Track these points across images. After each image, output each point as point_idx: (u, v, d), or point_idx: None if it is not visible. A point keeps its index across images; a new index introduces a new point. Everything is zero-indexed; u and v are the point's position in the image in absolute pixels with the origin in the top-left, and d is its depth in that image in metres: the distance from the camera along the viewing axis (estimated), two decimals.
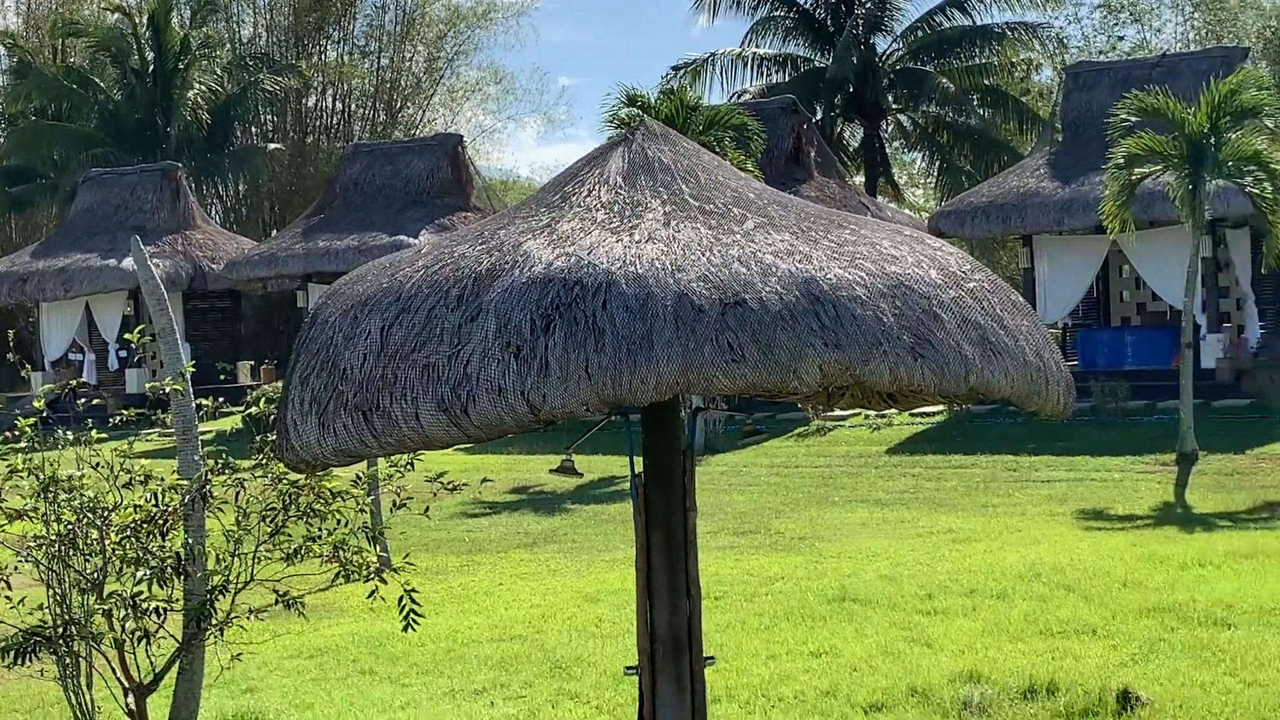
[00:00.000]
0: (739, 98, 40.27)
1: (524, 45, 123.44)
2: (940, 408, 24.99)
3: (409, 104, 54.43)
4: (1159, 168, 21.50)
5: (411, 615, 6.73)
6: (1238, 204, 23.24)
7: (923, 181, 51.41)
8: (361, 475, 7.25)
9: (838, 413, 24.79)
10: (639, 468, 5.53)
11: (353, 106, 53.46)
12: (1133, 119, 21.74)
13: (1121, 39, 51.27)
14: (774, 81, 43.15)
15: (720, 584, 12.66)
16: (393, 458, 6.94)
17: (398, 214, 33.14)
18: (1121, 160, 21.34)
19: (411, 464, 7.24)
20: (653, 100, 24.91)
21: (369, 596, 6.98)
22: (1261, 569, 12.23)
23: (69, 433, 7.38)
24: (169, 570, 6.82)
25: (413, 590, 6.78)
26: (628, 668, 5.70)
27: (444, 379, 4.61)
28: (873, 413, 25.08)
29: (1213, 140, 20.64)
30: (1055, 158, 28.38)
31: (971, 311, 5.01)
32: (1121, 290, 30.22)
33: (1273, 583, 11.52)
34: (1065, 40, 49.47)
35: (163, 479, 6.97)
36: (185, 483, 6.98)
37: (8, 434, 7.16)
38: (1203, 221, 21.18)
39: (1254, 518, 16.01)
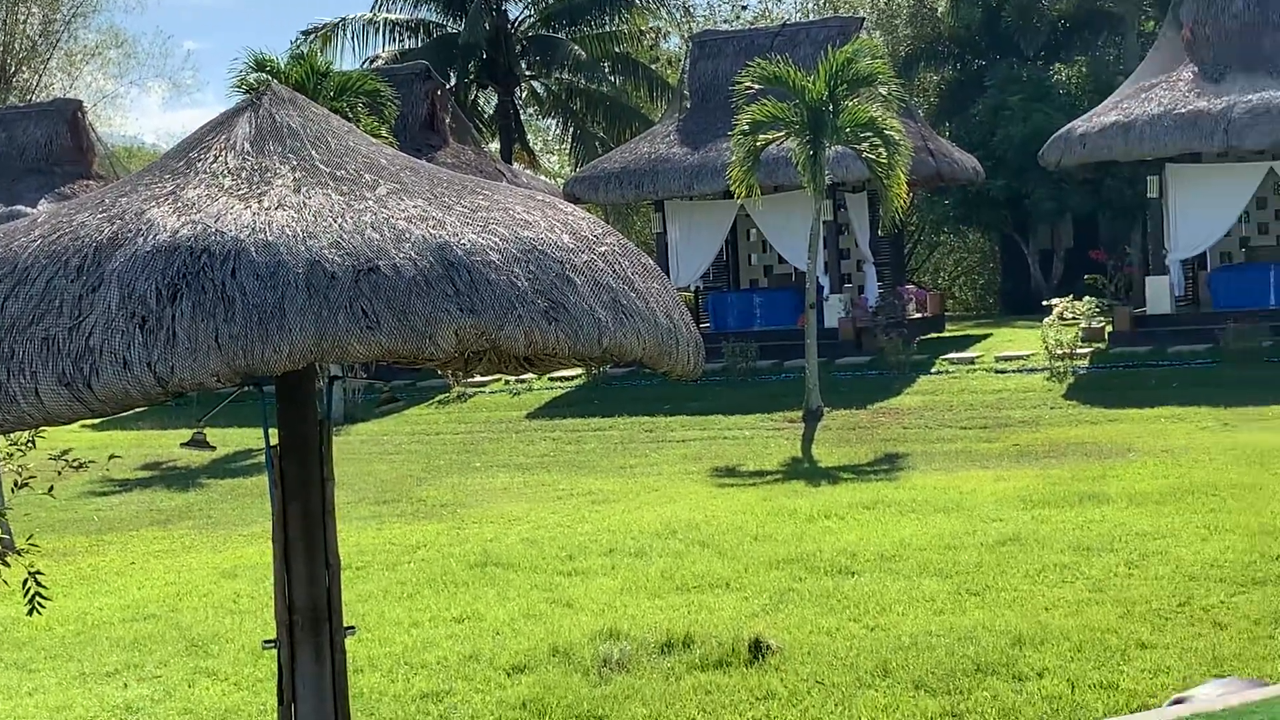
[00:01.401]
0: (372, 64, 39.78)
1: (145, 8, 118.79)
2: (578, 372, 25.33)
3: (24, 68, 51.91)
4: (782, 134, 22.22)
5: (37, 598, 6.47)
6: (856, 168, 24.26)
7: (558, 148, 51.85)
8: None
9: (478, 379, 24.85)
10: (274, 439, 5.44)
11: None
12: (756, 87, 22.39)
13: (745, 8, 52.81)
14: (407, 47, 42.78)
15: (362, 554, 12.57)
16: (12, 435, 6.64)
17: (13, 183, 31.64)
18: (746, 127, 21.97)
19: (33, 441, 6.94)
20: (282, 65, 24.40)
21: None
22: (882, 518, 12.84)
23: None
24: None
25: (37, 573, 6.52)
26: (265, 641, 5.61)
27: (65, 352, 4.43)
28: (512, 378, 25.25)
29: (831, 107, 21.44)
30: (684, 125, 29.02)
31: (604, 275, 5.08)
32: (749, 253, 31.15)
33: (893, 531, 12.11)
34: (691, 9, 50.70)
35: None
36: None
37: None
38: (823, 186, 22.01)
39: (875, 469, 16.79)
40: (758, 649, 8.18)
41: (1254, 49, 25.63)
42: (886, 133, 21.51)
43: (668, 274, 26.89)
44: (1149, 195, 25.89)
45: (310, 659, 5.45)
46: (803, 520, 13.03)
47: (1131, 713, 6.85)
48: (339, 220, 4.75)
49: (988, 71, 38.75)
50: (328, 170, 5.07)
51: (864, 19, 34.39)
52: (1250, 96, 24.24)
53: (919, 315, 28.95)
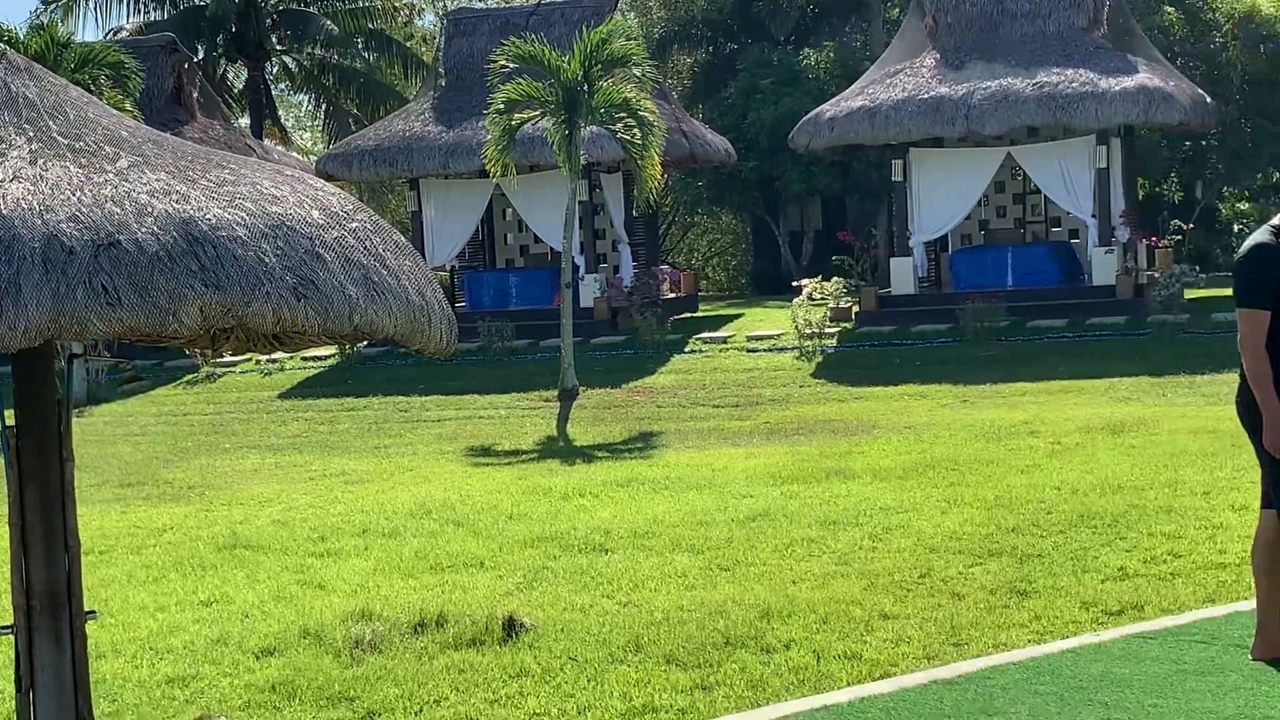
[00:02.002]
0: (115, 35, 38.59)
1: None
2: (332, 351, 25.02)
3: None
4: (537, 113, 22.24)
5: None
6: (611, 149, 24.41)
7: (310, 124, 51.04)
8: None
9: (227, 358, 24.35)
10: (10, 419, 5.26)
11: None
12: (512, 65, 22.36)
13: None
14: (152, 19, 41.64)
15: (105, 537, 12.22)
16: None
17: None
18: (501, 106, 21.93)
19: None
20: (21, 36, 23.55)
21: None
22: (636, 496, 12.97)
23: None
24: None
25: None
26: (1, 627, 5.43)
27: None
28: (264, 357, 24.80)
29: (586, 87, 21.54)
30: (440, 102, 28.83)
31: (354, 251, 5.02)
32: (506, 233, 31.10)
33: (646, 508, 12.24)
34: None
35: None
36: None
37: None
38: (579, 166, 22.10)
39: (629, 448, 16.95)
40: (511, 627, 8.19)
41: (993, 38, 26.53)
42: (641, 114, 21.69)
43: (423, 253, 26.63)
44: (894, 179, 26.64)
45: (49, 645, 5.29)
46: (557, 499, 13.08)
47: (875, 680, 7.05)
48: (78, 194, 4.61)
49: (740, 55, 39.30)
50: (66, 142, 4.92)
51: (618, 0, 34.57)
52: (989, 84, 25.09)
53: (673, 295, 29.29)
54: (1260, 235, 6.69)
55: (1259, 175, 34.81)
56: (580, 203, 24.80)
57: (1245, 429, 6.76)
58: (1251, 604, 7.09)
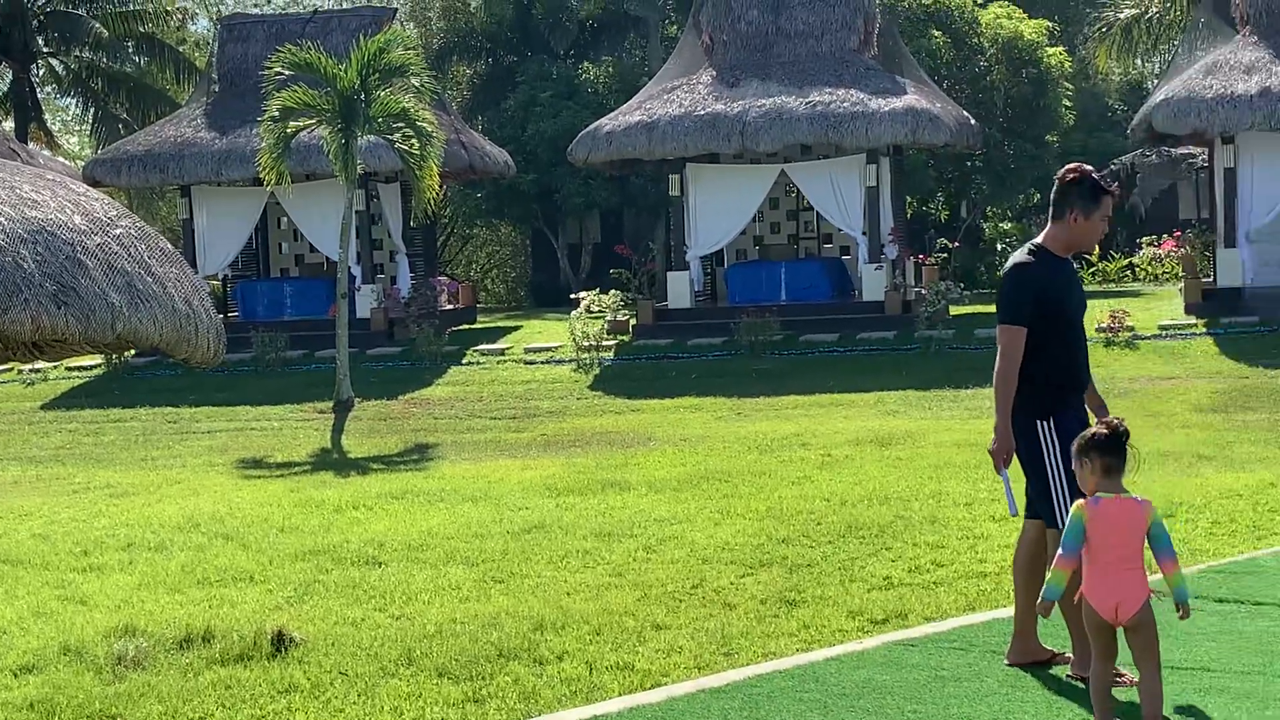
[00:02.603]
0: None
1: None
2: (99, 360, 24.34)
3: None
4: (313, 122, 21.98)
5: None
6: (389, 159, 24.24)
7: (78, 129, 49.59)
8: None
9: None
10: None
11: None
12: (287, 73, 22.04)
13: None
14: None
15: None
16: None
17: None
18: (276, 114, 21.62)
19: None
20: None
21: None
22: (411, 508, 12.88)
23: None
24: None
25: None
26: None
27: None
28: (25, 367, 24.02)
29: (363, 96, 21.36)
30: (212, 109, 28.30)
31: (118, 259, 4.92)
32: (280, 242, 30.64)
33: (421, 520, 12.16)
34: None
35: None
36: None
37: None
38: (355, 175, 21.89)
39: (405, 459, 16.82)
40: (280, 642, 8.06)
41: (768, 57, 26.99)
42: (419, 124, 21.58)
43: (194, 262, 26.15)
44: (671, 193, 26.91)
45: None
46: (330, 511, 12.93)
47: (647, 689, 7.11)
48: None
49: (520, 67, 39.36)
50: None
51: (396, 9, 34.35)
52: (764, 101, 25.51)
53: (451, 307, 29.18)
54: (1020, 255, 6.91)
55: (1021, 196, 36.08)
56: (357, 212, 24.57)
57: (1016, 441, 6.92)
58: (1008, 611, 7.32)
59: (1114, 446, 5.90)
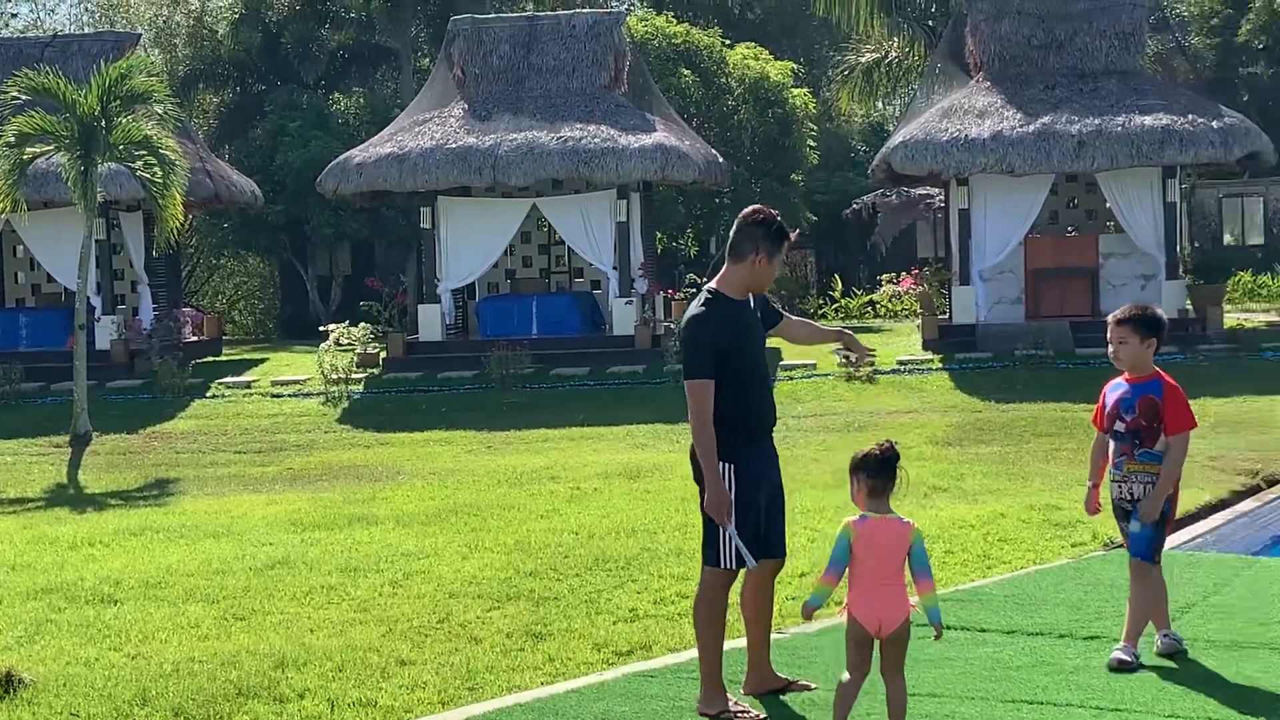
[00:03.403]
0: None
1: None
2: None
3: None
4: (51, 148, 21.36)
5: None
6: (130, 186, 23.70)
7: None
8: None
9: None
10: None
11: None
12: (24, 97, 21.39)
13: (15, 16, 50.33)
14: None
15: None
16: None
17: None
18: (12, 139, 20.96)
19: None
20: None
21: None
22: (149, 544, 12.55)
23: None
24: None
25: None
26: None
27: None
28: None
29: (105, 123, 20.83)
30: None
31: None
32: (16, 271, 29.64)
33: (160, 557, 11.87)
34: None
35: None
36: None
37: None
38: (95, 203, 21.29)
39: (144, 495, 16.39)
40: (9, 683, 7.78)
41: (520, 91, 27.12)
42: (161, 151, 21.14)
43: None
44: (422, 226, 26.81)
45: None
46: (64, 548, 12.52)
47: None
48: None
49: (268, 96, 38.84)
50: None
51: (140, 35, 33.56)
52: (516, 136, 25.62)
53: (196, 338, 28.58)
54: (695, 308, 6.87)
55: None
56: (97, 241, 23.90)
57: (698, 483, 6.98)
58: (744, 642, 7.41)
59: (881, 469, 6.19)
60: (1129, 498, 7.31)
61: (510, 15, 33.14)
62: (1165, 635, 7.42)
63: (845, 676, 6.24)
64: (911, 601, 6.21)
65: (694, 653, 7.19)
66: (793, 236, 6.98)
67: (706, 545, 6.86)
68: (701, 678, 6.92)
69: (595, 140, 25.39)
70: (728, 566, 6.79)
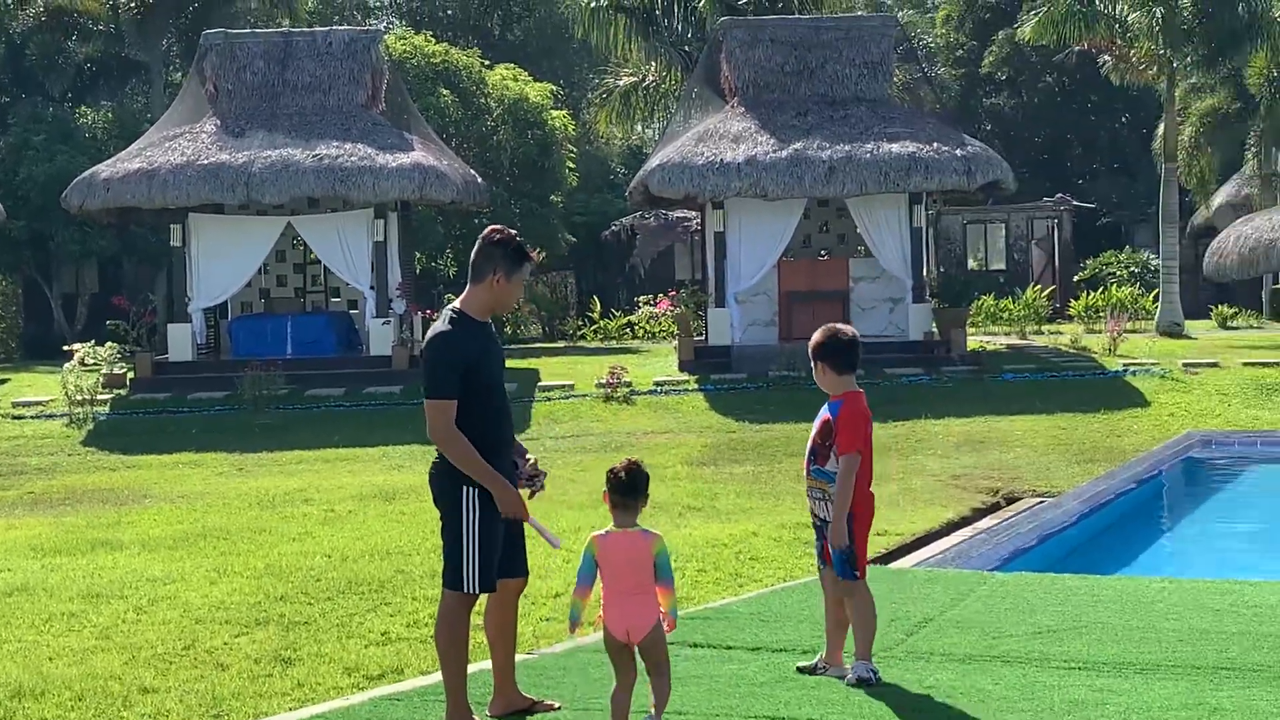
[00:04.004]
0: None
1: None
2: None
3: None
4: None
5: None
6: None
7: None
8: None
9: None
10: None
11: None
12: None
13: None
14: None
15: None
16: None
17: None
18: None
19: None
20: None
21: None
22: None
23: None
24: None
25: None
26: None
27: None
28: None
29: None
30: None
31: None
32: None
33: None
34: None
35: None
36: None
37: None
38: None
39: None
40: None
41: (274, 108, 26.77)
42: None
43: None
44: (173, 244, 26.23)
45: None
46: None
47: None
48: None
49: (11, 109, 37.60)
50: None
51: None
52: (270, 153, 25.25)
53: None
54: (440, 325, 6.84)
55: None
56: None
57: (439, 507, 6.94)
58: (488, 663, 7.40)
59: (626, 487, 6.44)
60: (818, 514, 7.51)
61: (265, 30, 32.61)
62: (859, 664, 7.42)
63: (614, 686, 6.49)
64: (660, 608, 6.42)
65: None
66: (534, 257, 7.02)
67: (448, 568, 6.81)
68: (446, 700, 6.88)
69: (352, 159, 25.16)
70: (470, 590, 6.76)
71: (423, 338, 26.46)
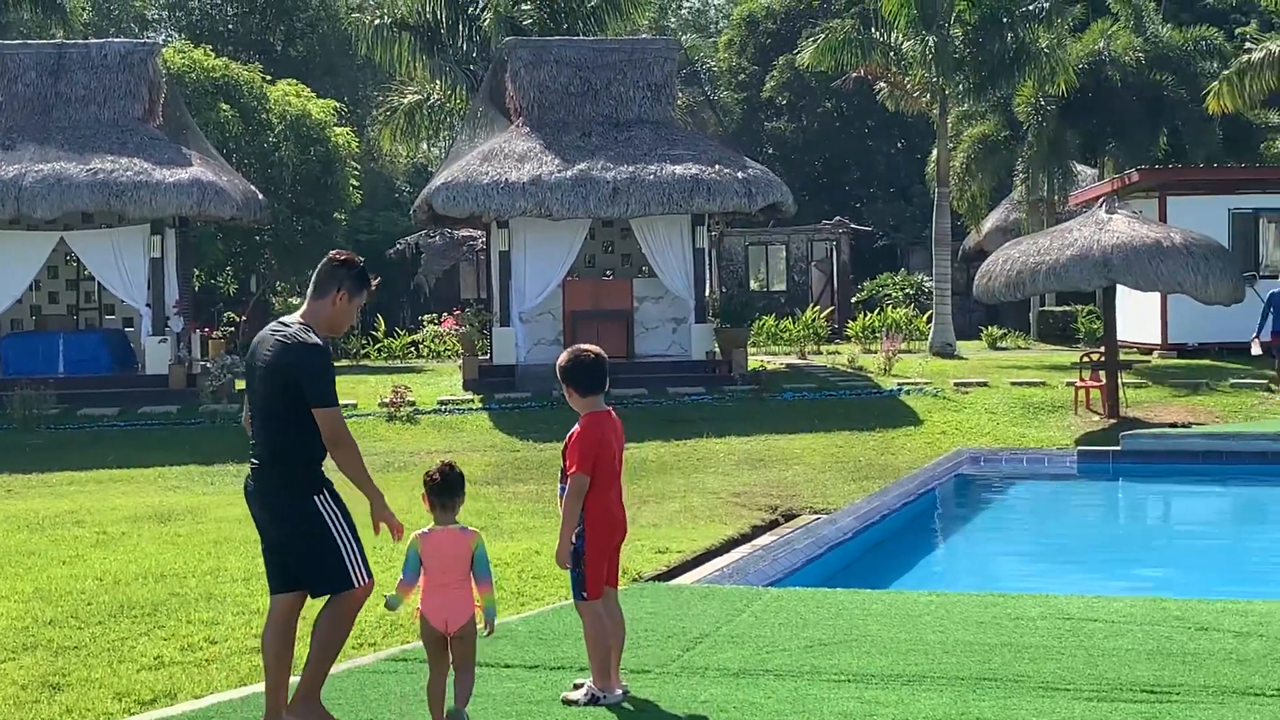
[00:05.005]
0: None
1: None
2: None
3: None
4: None
5: None
6: None
7: None
8: None
9: None
10: None
11: None
12: None
13: None
14: None
15: None
16: None
17: None
18: None
19: None
20: None
21: None
22: None
23: None
24: None
25: None
26: None
27: None
28: None
29: None
30: None
31: None
32: None
33: None
34: None
35: None
36: None
37: None
38: None
39: None
40: None
41: (46, 120, 26.11)
42: None
43: None
44: None
45: None
46: None
47: None
48: None
49: None
50: None
51: None
52: (42, 167, 24.62)
53: None
54: (309, 337, 6.84)
55: (310, 271, 36.41)
56: None
57: (261, 522, 6.97)
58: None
59: (443, 488, 6.93)
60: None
61: (37, 42, 31.73)
62: (590, 685, 7.44)
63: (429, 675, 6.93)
64: (475, 602, 6.87)
65: (217, 698, 7.09)
66: (372, 288, 7.20)
67: (328, 576, 6.83)
68: (266, 707, 6.95)
69: (127, 173, 24.63)
70: (360, 583, 6.88)
71: (201, 356, 26.03)
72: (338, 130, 34.92)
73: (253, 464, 6.93)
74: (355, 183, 36.13)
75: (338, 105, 37.07)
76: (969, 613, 9.52)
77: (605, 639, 7.42)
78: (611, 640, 7.47)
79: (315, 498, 6.82)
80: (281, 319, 7.06)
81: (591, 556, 7.36)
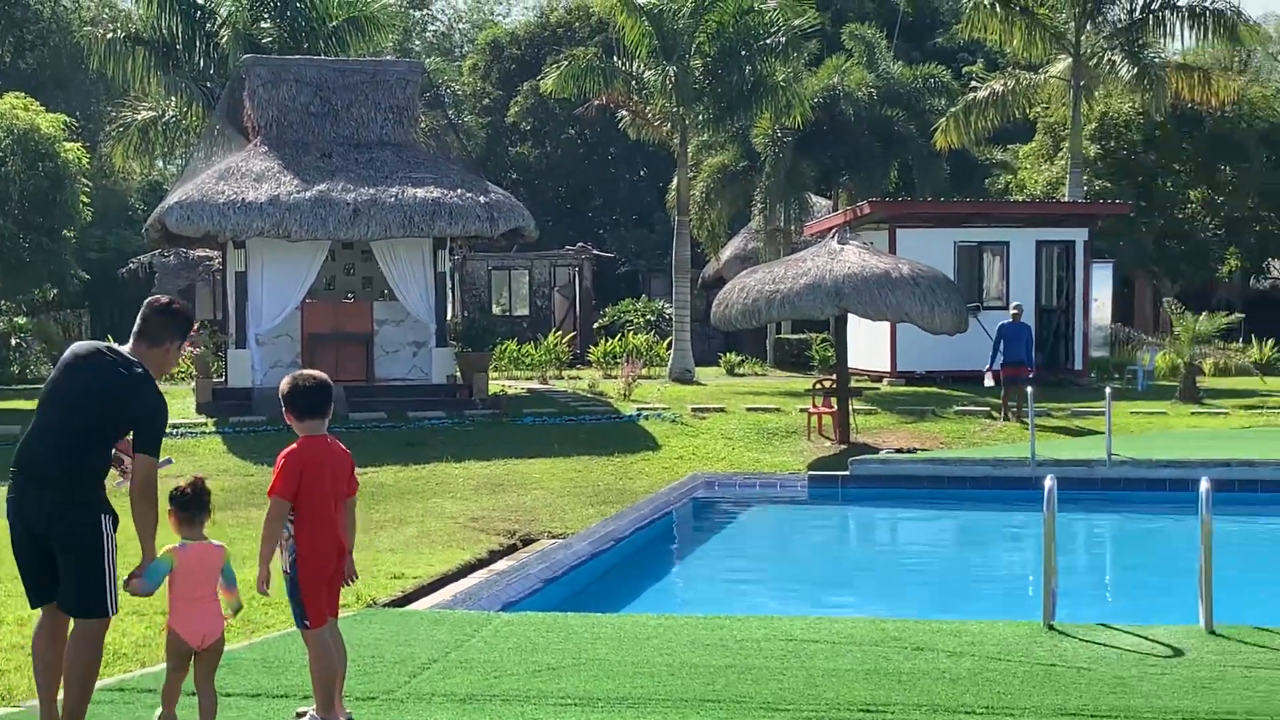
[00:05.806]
0: None
1: None
2: None
3: None
4: None
5: None
6: None
7: None
8: None
9: None
10: None
11: None
12: None
13: None
14: None
15: None
16: None
17: None
18: None
19: None
20: None
21: None
22: None
23: None
24: None
25: None
26: None
27: None
28: None
29: None
30: None
31: None
32: None
33: None
34: None
35: None
36: None
37: None
38: None
39: None
40: None
41: None
42: None
43: None
44: None
45: None
46: None
47: None
48: None
49: None
50: None
51: None
52: None
53: None
54: (147, 378, 6.92)
55: (36, 290, 35.34)
56: None
57: (33, 535, 6.83)
58: (30, 703, 7.14)
59: (191, 502, 7.05)
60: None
61: None
62: (313, 713, 7.37)
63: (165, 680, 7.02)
64: (225, 615, 7.07)
65: None
66: (196, 327, 7.34)
67: (88, 598, 6.73)
68: None
69: None
70: (114, 611, 6.83)
71: None
72: (68, 145, 33.80)
73: (26, 476, 6.84)
74: (86, 200, 35.01)
75: (69, 120, 35.88)
76: (696, 635, 9.69)
77: (331, 666, 7.33)
78: (336, 667, 7.40)
79: (103, 517, 6.80)
80: (111, 345, 7.06)
81: (306, 584, 7.23)
